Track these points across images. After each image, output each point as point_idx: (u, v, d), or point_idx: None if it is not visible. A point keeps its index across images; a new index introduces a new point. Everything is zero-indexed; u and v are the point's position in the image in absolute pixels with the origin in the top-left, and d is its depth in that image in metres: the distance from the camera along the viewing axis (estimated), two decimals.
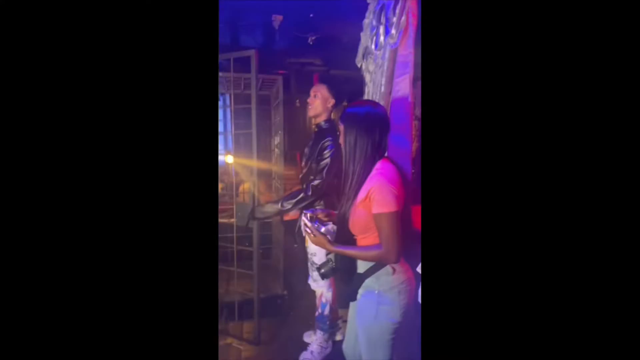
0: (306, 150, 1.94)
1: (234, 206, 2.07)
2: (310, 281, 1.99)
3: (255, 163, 2.44)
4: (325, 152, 1.77)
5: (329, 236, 1.17)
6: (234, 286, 2.44)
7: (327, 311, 1.96)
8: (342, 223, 1.17)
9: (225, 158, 2.80)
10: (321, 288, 1.96)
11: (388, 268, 1.14)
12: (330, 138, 1.77)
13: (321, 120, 1.88)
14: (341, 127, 1.16)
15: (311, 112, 1.89)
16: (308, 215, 1.22)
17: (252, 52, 2.02)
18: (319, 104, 1.85)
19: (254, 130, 2.01)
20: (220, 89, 3.00)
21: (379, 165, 1.12)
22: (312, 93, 1.88)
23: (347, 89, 2.37)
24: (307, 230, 1.19)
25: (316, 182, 1.77)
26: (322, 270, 1.22)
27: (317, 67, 3.79)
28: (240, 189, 3.05)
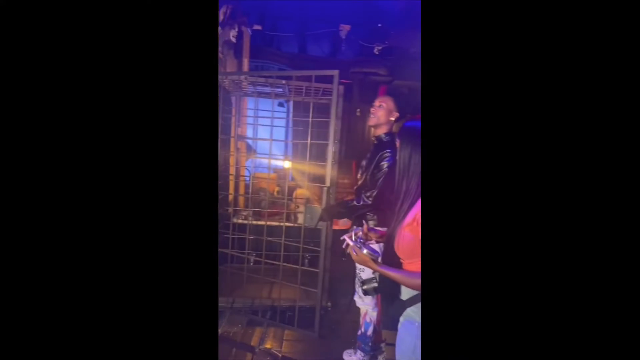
0: (363, 162, 1.90)
1: (288, 210, 2.06)
2: (356, 297, 1.91)
3: (308, 168, 2.45)
4: (382, 163, 1.72)
5: (377, 255, 1.10)
6: (278, 292, 2.44)
7: (370, 331, 1.86)
8: (389, 244, 1.09)
9: (283, 163, 2.85)
10: (366, 306, 1.87)
11: None
12: (389, 150, 1.73)
13: (381, 132, 1.83)
14: (398, 142, 1.09)
15: (372, 121, 1.84)
16: (352, 233, 1.18)
17: (335, 72, 2.04)
18: (382, 114, 1.80)
19: (330, 142, 2.09)
20: (285, 97, 3.08)
21: None
22: (377, 103, 1.84)
23: (413, 102, 2.29)
24: (350, 248, 1.15)
25: (369, 193, 1.73)
26: (364, 287, 1.17)
27: (382, 77, 3.72)
28: (294, 194, 3.09)
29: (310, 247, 2.29)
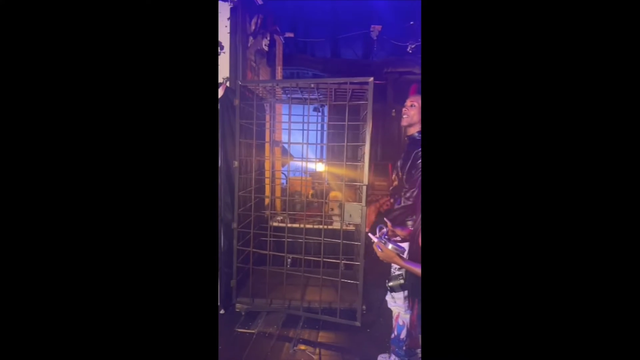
0: (399, 162, 1.88)
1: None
2: (388, 298, 1.87)
3: (344, 172, 2.45)
4: (419, 162, 1.69)
5: (402, 250, 1.10)
6: (313, 294, 2.46)
7: (403, 335, 1.81)
8: (414, 240, 1.08)
9: (316, 166, 2.88)
10: (398, 308, 1.82)
11: None
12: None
13: (415, 131, 1.81)
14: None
15: (405, 121, 1.82)
16: (377, 230, 1.17)
17: (370, 79, 2.08)
18: (414, 113, 1.78)
19: (367, 145, 2.12)
20: (317, 101, 3.12)
21: None
22: (408, 102, 1.81)
23: None
24: (375, 245, 1.14)
25: (408, 194, 1.70)
26: (391, 284, 1.18)
27: (416, 76, 3.63)
28: (329, 197, 3.10)
29: (348, 247, 2.29)
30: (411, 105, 1.79)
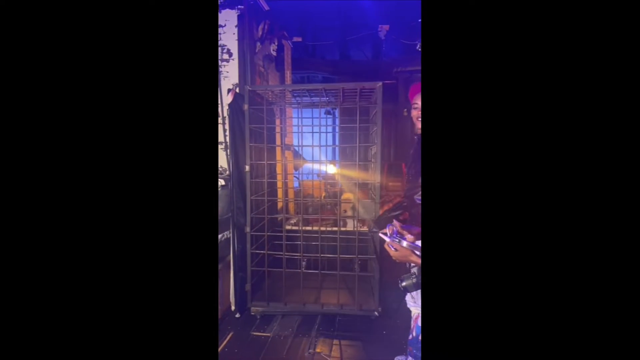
0: (409, 162, 1.85)
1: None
2: (407, 298, 1.83)
3: (355, 174, 2.44)
4: None
5: (417, 247, 1.07)
6: (331, 297, 2.45)
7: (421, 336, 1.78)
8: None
9: (327, 168, 2.87)
10: (418, 308, 1.79)
11: None
12: None
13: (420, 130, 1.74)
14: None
15: (419, 124, 1.75)
16: (387, 229, 1.15)
17: (378, 84, 2.08)
18: (418, 114, 1.71)
19: (378, 146, 2.03)
20: (326, 104, 3.13)
21: None
22: (412, 104, 1.75)
23: None
24: (387, 244, 1.12)
25: (417, 195, 1.64)
26: (404, 283, 1.15)
27: None
28: (341, 198, 3.09)
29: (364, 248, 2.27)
30: (414, 107, 1.73)
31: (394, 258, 1.12)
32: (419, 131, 1.78)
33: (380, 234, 1.16)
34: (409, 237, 1.15)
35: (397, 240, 1.10)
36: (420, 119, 1.70)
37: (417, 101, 1.76)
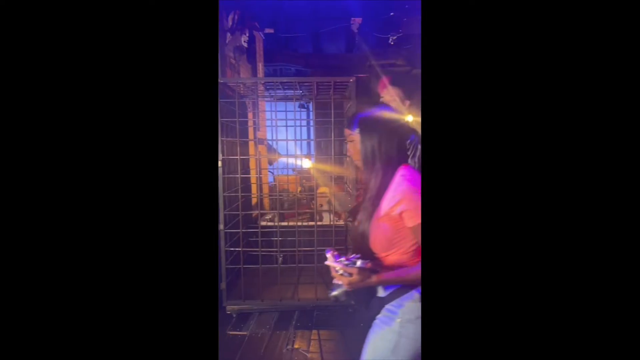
0: None
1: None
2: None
3: (330, 168, 2.42)
4: (410, 147, 1.60)
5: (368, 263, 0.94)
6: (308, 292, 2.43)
7: None
8: (362, 242, 1.00)
9: (302, 162, 2.85)
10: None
11: (415, 293, 0.96)
12: (411, 136, 1.62)
13: None
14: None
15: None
16: (328, 254, 0.98)
17: (352, 79, 2.07)
18: (394, 107, 1.76)
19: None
20: (304, 100, 3.09)
21: (403, 171, 0.97)
22: (382, 98, 1.74)
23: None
24: (338, 271, 0.95)
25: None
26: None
27: (400, 68, 3.62)
28: (318, 192, 3.07)
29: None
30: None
31: (351, 286, 0.94)
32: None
33: (326, 263, 0.97)
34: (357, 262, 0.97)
35: (351, 263, 0.93)
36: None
37: (385, 95, 1.74)
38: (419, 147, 1.63)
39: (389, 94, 1.73)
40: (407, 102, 1.74)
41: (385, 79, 1.83)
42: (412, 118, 2.10)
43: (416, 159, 1.64)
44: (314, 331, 2.15)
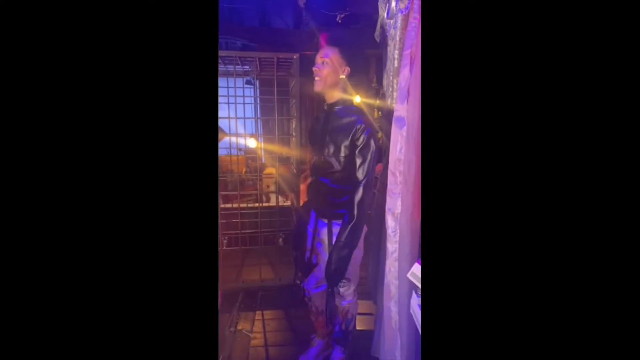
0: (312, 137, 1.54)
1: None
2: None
3: (276, 148, 2.38)
4: (360, 138, 1.35)
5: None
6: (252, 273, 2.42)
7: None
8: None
9: (247, 142, 2.77)
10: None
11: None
12: (358, 120, 1.35)
13: (336, 96, 1.41)
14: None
15: (318, 86, 1.39)
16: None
17: (295, 56, 1.97)
18: (328, 73, 1.37)
19: (297, 120, 1.93)
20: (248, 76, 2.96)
21: None
22: (319, 58, 1.39)
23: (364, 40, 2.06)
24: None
25: (364, 180, 1.36)
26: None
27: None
28: (264, 173, 3.02)
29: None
30: (322, 63, 1.37)
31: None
32: (330, 100, 1.45)
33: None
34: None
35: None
36: (318, 78, 1.39)
37: (327, 56, 1.38)
38: (372, 141, 1.37)
39: (327, 54, 1.39)
40: (346, 70, 1.41)
41: (323, 35, 1.59)
42: (359, 99, 2.00)
43: (370, 154, 1.37)
44: (258, 312, 2.15)
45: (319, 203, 1.52)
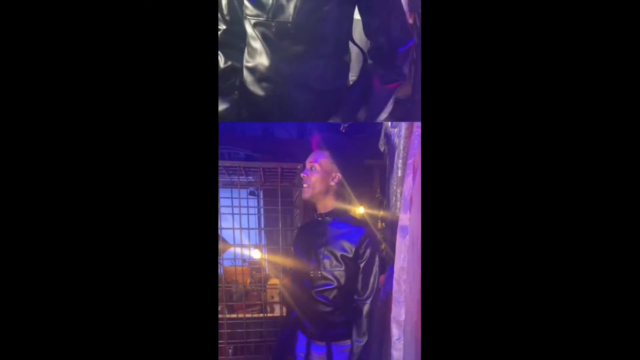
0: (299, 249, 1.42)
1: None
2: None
3: (281, 260, 2.29)
4: (365, 251, 1.26)
5: None
6: None
7: None
8: None
9: (252, 253, 2.71)
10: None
11: None
12: (362, 232, 1.27)
13: (327, 208, 1.30)
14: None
15: (306, 193, 1.30)
16: None
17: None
18: (317, 180, 1.27)
19: None
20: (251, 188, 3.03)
21: None
22: (307, 164, 1.32)
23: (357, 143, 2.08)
24: None
25: (371, 296, 1.26)
26: None
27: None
28: (269, 283, 2.89)
29: None
30: (311, 168, 1.28)
31: None
32: (322, 210, 1.34)
33: None
34: None
35: None
36: (306, 185, 1.32)
37: (316, 162, 1.30)
38: (377, 254, 1.31)
39: (317, 160, 1.31)
40: (337, 176, 1.30)
41: (315, 137, 1.40)
42: (363, 210, 1.98)
43: (375, 268, 1.29)
44: None
45: (311, 323, 1.32)
